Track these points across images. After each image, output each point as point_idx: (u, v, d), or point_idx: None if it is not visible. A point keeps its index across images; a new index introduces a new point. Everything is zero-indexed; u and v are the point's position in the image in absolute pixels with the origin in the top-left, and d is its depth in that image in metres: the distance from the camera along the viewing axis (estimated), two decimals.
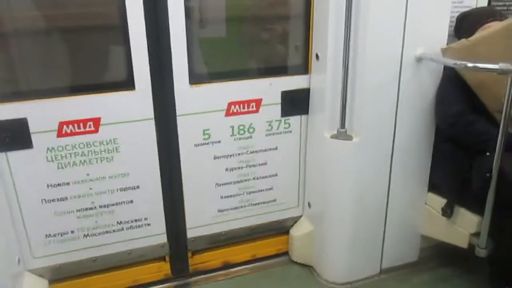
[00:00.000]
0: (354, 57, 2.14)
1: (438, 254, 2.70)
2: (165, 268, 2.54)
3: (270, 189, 2.60)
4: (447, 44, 2.20)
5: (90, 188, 2.22)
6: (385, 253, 2.58)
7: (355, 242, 2.48)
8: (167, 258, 2.53)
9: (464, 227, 2.30)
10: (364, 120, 2.25)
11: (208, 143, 2.36)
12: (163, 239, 2.46)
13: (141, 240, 2.41)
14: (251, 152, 2.48)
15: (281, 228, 2.72)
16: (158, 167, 2.31)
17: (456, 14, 2.38)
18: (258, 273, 2.65)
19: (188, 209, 2.45)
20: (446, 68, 2.23)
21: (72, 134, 2.09)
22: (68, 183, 2.17)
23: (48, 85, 2.07)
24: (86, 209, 2.25)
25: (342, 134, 2.27)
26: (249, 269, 2.67)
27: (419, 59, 2.21)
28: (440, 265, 2.68)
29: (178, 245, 2.52)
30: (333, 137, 2.29)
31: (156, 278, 2.54)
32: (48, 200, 2.17)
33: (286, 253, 2.77)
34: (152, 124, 2.22)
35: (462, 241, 2.32)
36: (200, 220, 2.51)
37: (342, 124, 2.25)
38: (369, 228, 2.49)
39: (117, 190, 2.27)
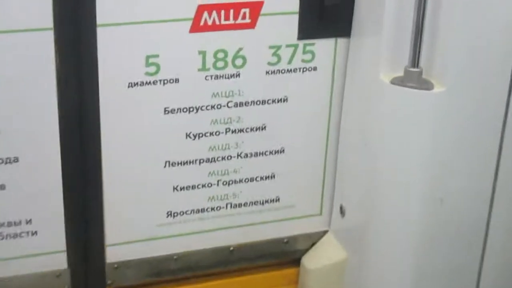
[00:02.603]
0: None
1: None
2: None
3: (270, 177, 2.26)
4: None
5: None
6: None
7: (427, 280, 2.20)
8: None
9: None
10: (456, 56, 1.94)
11: (155, 82, 2.00)
12: (61, 262, 2.11)
13: (19, 262, 2.07)
14: (236, 105, 2.12)
15: (286, 254, 2.40)
16: (57, 121, 1.97)
17: None
18: None
19: (109, 208, 2.09)
20: None
21: None
22: None
23: None
24: None
25: (414, 77, 1.92)
26: None
27: None
28: None
29: (88, 275, 2.18)
30: (395, 82, 1.96)
31: None
32: None
33: None
34: (50, 38, 1.88)
35: None
36: (131, 231, 2.16)
37: (415, 61, 1.92)
38: (454, 256, 2.22)
39: None
